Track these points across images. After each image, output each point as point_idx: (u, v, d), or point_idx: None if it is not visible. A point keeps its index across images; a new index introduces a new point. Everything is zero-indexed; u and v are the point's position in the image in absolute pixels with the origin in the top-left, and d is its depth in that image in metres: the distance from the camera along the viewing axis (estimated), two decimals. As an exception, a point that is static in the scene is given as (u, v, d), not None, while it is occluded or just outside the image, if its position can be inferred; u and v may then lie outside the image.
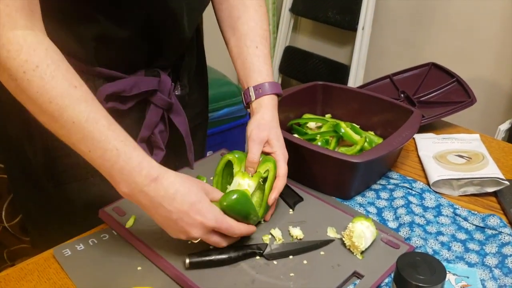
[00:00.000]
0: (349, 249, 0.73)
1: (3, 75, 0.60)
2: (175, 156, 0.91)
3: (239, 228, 0.70)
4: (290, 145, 0.87)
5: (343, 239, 0.73)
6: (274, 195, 0.77)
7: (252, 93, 0.84)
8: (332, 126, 0.98)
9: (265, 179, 0.79)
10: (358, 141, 0.93)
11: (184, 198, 0.65)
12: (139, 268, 0.72)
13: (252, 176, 0.78)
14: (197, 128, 0.96)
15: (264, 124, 0.82)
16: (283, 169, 0.79)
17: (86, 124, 0.61)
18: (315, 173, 0.88)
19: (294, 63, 2.40)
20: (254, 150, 0.80)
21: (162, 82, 0.83)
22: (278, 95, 0.86)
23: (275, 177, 0.78)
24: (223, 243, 0.70)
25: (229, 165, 0.82)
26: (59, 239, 0.77)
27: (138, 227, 0.78)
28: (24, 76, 0.59)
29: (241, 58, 0.87)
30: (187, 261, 0.69)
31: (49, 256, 0.75)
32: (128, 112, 0.82)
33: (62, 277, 0.71)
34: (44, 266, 0.73)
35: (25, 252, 1.32)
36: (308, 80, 1.06)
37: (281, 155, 0.80)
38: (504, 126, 1.54)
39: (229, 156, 0.81)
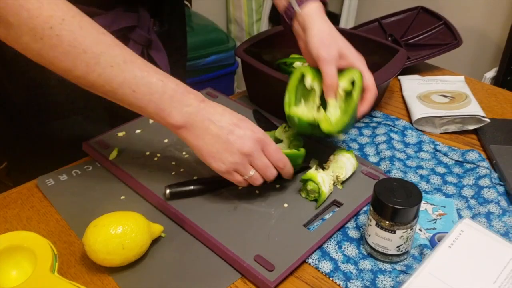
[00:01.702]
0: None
1: (24, 38, 0.57)
2: None
3: (284, 157, 0.68)
4: (274, 82, 0.87)
5: (325, 169, 0.74)
6: (365, 109, 0.75)
7: (294, 4, 0.77)
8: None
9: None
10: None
11: (232, 114, 0.67)
12: (122, 197, 0.73)
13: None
14: (175, 65, 0.95)
15: (328, 37, 0.74)
16: (370, 79, 0.74)
17: (125, 65, 0.61)
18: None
19: (283, 12, 2.37)
20: (330, 72, 0.72)
21: (141, 18, 0.83)
22: (323, 2, 0.79)
23: (362, 87, 0.74)
24: (259, 180, 0.68)
25: (302, 81, 0.77)
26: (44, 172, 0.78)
27: (121, 159, 0.78)
28: (52, 32, 0.56)
29: None
30: (167, 191, 0.70)
31: (32, 186, 0.76)
32: None
33: (46, 205, 0.72)
34: (28, 195, 0.74)
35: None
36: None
37: (363, 65, 0.75)
38: (490, 74, 1.55)
39: (303, 70, 0.76)
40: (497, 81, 1.54)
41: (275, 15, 2.40)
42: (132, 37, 0.84)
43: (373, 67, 0.98)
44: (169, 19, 0.94)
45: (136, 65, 0.62)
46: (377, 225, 0.61)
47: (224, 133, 0.64)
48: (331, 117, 0.73)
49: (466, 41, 1.11)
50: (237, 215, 0.69)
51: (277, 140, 0.81)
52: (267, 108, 0.93)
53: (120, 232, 0.59)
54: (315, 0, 0.77)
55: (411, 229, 0.61)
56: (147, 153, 0.80)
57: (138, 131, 0.85)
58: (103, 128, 0.86)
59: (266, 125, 0.89)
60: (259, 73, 0.88)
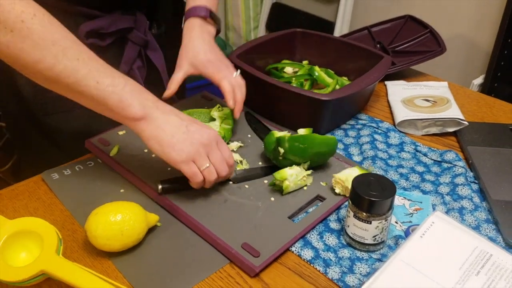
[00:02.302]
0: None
1: None
2: (154, 92, 0.97)
3: (228, 149, 0.74)
4: (265, 86, 0.92)
5: (334, 187, 0.78)
6: (237, 110, 0.86)
7: (183, 20, 0.90)
8: (307, 71, 1.04)
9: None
10: (330, 83, 0.99)
11: (186, 116, 0.72)
12: (121, 190, 0.79)
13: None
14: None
15: (183, 51, 0.87)
16: (227, 87, 0.84)
17: (89, 60, 0.65)
18: (288, 111, 0.93)
19: (281, 20, 2.43)
20: (173, 76, 0.87)
21: (138, 20, 0.91)
22: (202, 17, 0.90)
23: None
24: (214, 174, 0.72)
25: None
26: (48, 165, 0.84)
27: (121, 155, 0.84)
28: (23, 25, 0.61)
29: None
30: (160, 186, 0.75)
31: (38, 180, 0.81)
32: (108, 49, 0.89)
33: (51, 197, 0.77)
34: (34, 188, 0.79)
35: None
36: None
37: (218, 74, 0.84)
38: (478, 81, 1.60)
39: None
40: (485, 87, 1.59)
41: (272, 23, 2.46)
42: (130, 37, 0.91)
43: (360, 73, 1.04)
44: (168, 22, 1.01)
45: (98, 61, 0.67)
46: (355, 216, 0.67)
47: (184, 124, 0.69)
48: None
49: (454, 48, 1.17)
50: (227, 207, 0.74)
51: (211, 119, 0.88)
52: (258, 110, 0.99)
53: (119, 220, 0.65)
54: (195, 17, 0.89)
55: (386, 220, 0.67)
56: (145, 150, 0.85)
57: None
58: (105, 123, 0.91)
59: (257, 126, 0.94)
60: (251, 78, 0.94)
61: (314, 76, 1.00)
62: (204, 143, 0.69)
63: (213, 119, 0.90)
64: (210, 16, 0.91)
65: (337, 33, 2.16)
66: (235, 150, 0.87)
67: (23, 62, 0.63)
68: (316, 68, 1.01)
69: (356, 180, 0.67)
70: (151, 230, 0.70)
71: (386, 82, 1.14)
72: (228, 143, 0.88)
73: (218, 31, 0.94)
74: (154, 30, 0.98)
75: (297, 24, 2.35)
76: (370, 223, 0.66)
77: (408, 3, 2.04)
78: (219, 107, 0.89)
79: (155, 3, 0.97)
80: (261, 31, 2.49)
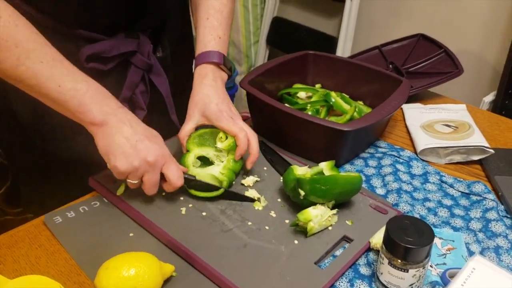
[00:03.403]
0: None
1: None
2: (159, 117, 0.93)
3: (178, 170, 0.73)
4: (280, 114, 0.87)
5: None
6: (249, 161, 0.82)
7: (193, 64, 0.87)
8: (322, 96, 0.99)
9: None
10: (348, 110, 0.94)
11: (147, 128, 0.73)
12: (131, 234, 0.73)
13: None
14: (184, 89, 0.97)
15: (193, 101, 0.82)
16: (243, 141, 0.79)
17: (53, 62, 0.66)
18: (305, 141, 0.88)
19: (281, 35, 2.39)
20: (183, 127, 0.83)
21: (141, 44, 0.86)
22: (215, 63, 0.85)
23: (236, 145, 0.80)
24: (154, 188, 0.73)
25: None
26: (51, 201, 0.79)
27: (129, 194, 0.78)
28: None
29: (196, 30, 0.90)
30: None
31: (40, 223, 0.75)
32: (110, 73, 0.86)
33: (54, 243, 0.71)
34: (35, 233, 0.73)
35: (9, 224, 1.32)
36: (295, 51, 1.06)
37: (229, 124, 0.80)
38: (488, 98, 1.56)
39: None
40: (496, 105, 1.55)
41: (273, 38, 2.42)
42: (133, 61, 0.87)
43: (375, 96, 0.99)
44: (173, 45, 0.96)
45: (64, 64, 0.67)
46: (390, 263, 0.61)
47: (135, 139, 0.69)
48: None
49: (463, 65, 1.12)
50: (247, 253, 0.68)
51: (217, 150, 0.83)
52: (272, 139, 0.93)
53: (133, 275, 0.59)
54: (207, 63, 0.85)
55: (423, 268, 0.61)
56: (155, 188, 0.80)
57: None
58: None
59: (273, 157, 0.89)
60: (265, 105, 0.88)
61: (331, 103, 0.95)
62: (148, 161, 0.69)
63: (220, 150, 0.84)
64: (223, 62, 0.86)
65: (340, 48, 2.12)
66: (251, 185, 0.81)
67: None
68: (332, 94, 0.96)
69: (391, 224, 0.62)
70: (166, 281, 0.64)
71: (402, 106, 1.08)
72: (243, 177, 0.82)
73: (229, 76, 0.89)
74: (159, 53, 0.94)
75: (298, 39, 2.33)
76: (407, 272, 0.61)
77: (412, 18, 2.00)
78: (221, 137, 0.82)
79: (161, 25, 0.92)
80: (262, 46, 2.45)
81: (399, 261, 0.61)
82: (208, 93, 0.81)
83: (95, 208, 0.78)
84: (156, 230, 0.71)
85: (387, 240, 0.62)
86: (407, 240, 0.60)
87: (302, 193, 0.72)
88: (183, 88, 0.99)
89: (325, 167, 0.78)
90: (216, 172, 0.79)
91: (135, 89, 0.89)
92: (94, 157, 0.84)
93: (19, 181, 1.03)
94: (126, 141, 0.69)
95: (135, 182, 0.71)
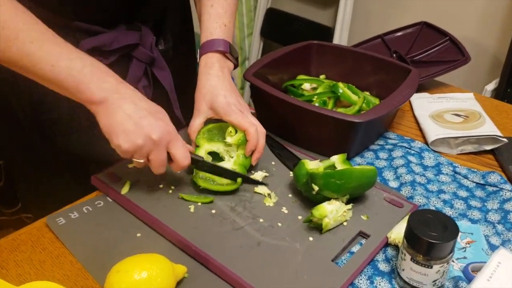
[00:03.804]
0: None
1: None
2: None
3: (185, 148, 0.70)
4: (287, 107, 0.84)
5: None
6: (254, 157, 0.78)
7: (197, 53, 0.83)
8: (329, 87, 0.96)
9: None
10: (356, 101, 0.91)
11: (151, 103, 0.69)
12: (138, 234, 0.70)
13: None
14: (186, 84, 0.94)
15: (201, 93, 0.79)
16: (254, 136, 0.76)
17: (45, 42, 0.62)
18: (314, 134, 0.85)
19: (276, 26, 2.35)
20: (192, 122, 0.80)
21: (144, 36, 0.83)
22: (221, 52, 0.82)
23: (245, 139, 0.77)
24: (161, 168, 0.69)
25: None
26: (52, 201, 0.76)
27: (135, 193, 0.75)
28: None
29: (200, 17, 0.86)
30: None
31: (42, 226, 0.72)
32: (111, 67, 0.81)
33: (58, 246, 0.68)
34: (38, 236, 0.70)
35: (4, 224, 1.29)
36: (290, 43, 1.03)
37: (238, 117, 0.76)
38: (491, 86, 1.54)
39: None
40: (498, 93, 1.54)
41: (267, 30, 2.38)
42: (135, 54, 0.84)
43: (382, 87, 0.97)
44: (175, 38, 0.93)
45: (55, 42, 0.63)
46: (412, 259, 0.59)
47: (138, 116, 0.65)
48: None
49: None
50: (261, 251, 0.66)
51: (226, 144, 0.80)
52: (279, 133, 0.90)
53: (145, 278, 0.56)
54: (213, 52, 0.81)
55: (447, 263, 0.59)
56: (161, 186, 0.76)
57: None
58: (105, 147, 0.84)
59: (281, 152, 0.86)
60: (271, 98, 0.85)
61: (338, 94, 0.92)
62: (152, 139, 0.66)
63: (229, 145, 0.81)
64: (230, 51, 0.82)
65: (337, 39, 2.09)
66: (260, 180, 0.79)
67: None
68: (340, 84, 0.93)
69: (413, 219, 0.59)
70: (178, 283, 0.61)
71: (408, 95, 1.06)
72: (251, 173, 0.79)
73: (235, 66, 0.86)
74: (161, 45, 0.91)
75: (293, 31, 2.29)
76: (431, 268, 0.58)
77: (409, 7, 1.98)
78: (231, 131, 0.79)
79: (163, 16, 0.89)
80: (256, 38, 2.41)
81: (422, 257, 0.58)
82: (216, 85, 0.78)
83: (99, 208, 0.75)
84: (165, 229, 0.68)
85: (409, 235, 0.59)
86: (431, 235, 0.57)
87: (316, 188, 0.69)
88: (184, 82, 0.96)
89: (337, 160, 0.76)
90: (229, 167, 0.76)
91: (138, 84, 0.86)
92: (95, 154, 0.82)
93: (17, 180, 1.00)
94: (128, 118, 0.65)
95: (141, 161, 0.68)
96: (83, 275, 0.64)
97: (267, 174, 0.80)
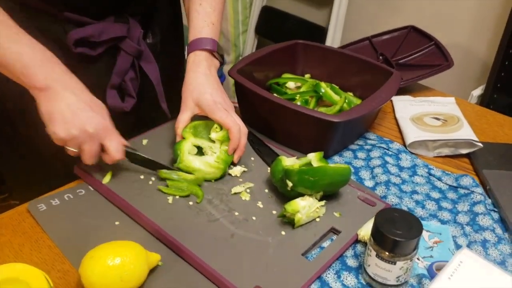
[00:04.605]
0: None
1: None
2: (148, 105, 0.92)
3: (118, 143, 0.73)
4: (269, 104, 0.86)
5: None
6: (236, 156, 0.81)
7: (185, 52, 0.86)
8: (311, 86, 0.98)
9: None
10: (337, 101, 0.93)
11: (93, 97, 0.72)
12: (117, 223, 0.72)
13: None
14: (173, 78, 0.95)
15: (187, 89, 0.81)
16: (236, 134, 0.79)
17: (1, 24, 0.66)
18: (294, 132, 0.87)
19: (271, 24, 2.37)
20: (179, 118, 0.82)
21: (131, 29, 0.85)
22: (209, 50, 0.84)
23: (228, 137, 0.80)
24: (92, 159, 0.72)
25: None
26: (37, 189, 0.77)
27: (115, 183, 0.77)
28: None
29: (188, 15, 0.88)
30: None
31: (23, 211, 0.74)
32: (99, 58, 0.84)
33: (38, 231, 0.70)
34: (19, 220, 0.72)
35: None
36: (284, 41, 1.05)
37: (222, 115, 0.79)
38: (477, 92, 1.57)
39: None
40: (484, 98, 1.56)
41: (261, 27, 2.40)
42: (123, 47, 0.85)
43: (365, 87, 0.99)
44: (163, 32, 0.95)
45: (10, 27, 0.67)
46: (377, 255, 0.61)
47: (77, 107, 0.68)
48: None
49: (453, 58, 1.12)
50: (234, 243, 0.68)
51: (210, 141, 0.82)
52: (261, 129, 0.92)
53: (118, 264, 0.58)
54: (201, 50, 0.83)
55: (411, 260, 0.61)
56: (142, 177, 0.78)
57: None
58: None
59: (260, 148, 0.88)
60: (254, 95, 0.87)
61: (320, 93, 0.94)
62: (87, 131, 0.69)
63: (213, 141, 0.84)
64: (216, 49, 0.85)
65: (330, 39, 2.11)
66: (238, 175, 0.81)
67: None
68: (322, 84, 0.95)
69: (380, 217, 0.62)
70: (151, 271, 0.63)
71: (391, 98, 1.08)
72: (230, 167, 0.81)
73: (221, 64, 0.88)
74: (149, 39, 0.92)
75: (288, 29, 2.31)
76: (394, 264, 0.61)
77: (402, 10, 2.00)
78: (216, 127, 0.82)
79: (152, 10, 0.91)
80: (250, 35, 2.43)
81: (387, 253, 0.60)
82: (203, 83, 0.80)
83: (81, 196, 0.76)
84: (142, 219, 0.70)
85: (375, 232, 0.61)
86: (396, 232, 0.59)
87: (290, 184, 0.71)
88: (172, 76, 0.98)
89: (314, 158, 0.78)
90: (212, 161, 0.78)
91: (125, 76, 0.88)
92: None
93: (4, 168, 1.01)
94: (67, 108, 0.68)
95: (74, 150, 0.71)
96: (60, 259, 0.66)
97: (245, 169, 0.82)
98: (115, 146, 0.72)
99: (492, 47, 1.68)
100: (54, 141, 0.70)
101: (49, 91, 0.67)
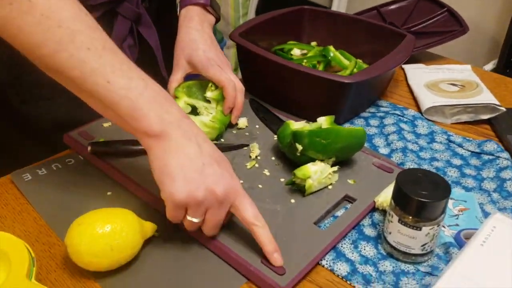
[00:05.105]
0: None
1: None
2: (148, 74, 0.85)
3: (253, 208, 0.55)
4: (274, 67, 0.80)
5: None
6: (234, 115, 0.76)
7: (178, 6, 0.80)
8: (319, 52, 0.91)
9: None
10: (347, 65, 0.87)
11: (216, 149, 0.55)
12: (109, 193, 0.65)
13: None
14: (171, 44, 0.89)
15: (179, 46, 0.77)
16: (231, 92, 0.74)
17: (104, 51, 0.50)
18: (302, 98, 0.81)
19: (271, 7, 2.29)
20: (173, 76, 0.77)
21: None
22: (201, 5, 0.78)
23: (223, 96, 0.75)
24: (193, 229, 0.56)
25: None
26: (23, 162, 0.71)
27: (108, 151, 0.70)
28: None
29: None
30: (88, 148, 0.67)
31: (7, 182, 0.67)
32: None
33: (22, 202, 0.64)
34: (1, 191, 0.65)
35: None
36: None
37: (214, 77, 0.74)
38: (489, 67, 1.50)
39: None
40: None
41: (262, 9, 2.33)
42: (120, 11, 0.79)
43: (376, 55, 0.91)
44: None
45: (116, 55, 0.52)
46: (400, 221, 0.55)
47: (201, 161, 0.52)
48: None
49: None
50: (237, 221, 0.61)
51: (205, 100, 0.77)
52: (266, 98, 0.86)
53: (108, 231, 0.51)
54: (193, 5, 0.78)
55: (438, 226, 0.54)
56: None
57: None
58: (91, 115, 0.79)
59: (266, 116, 0.81)
60: (258, 58, 0.81)
61: (329, 57, 0.87)
62: (215, 193, 0.52)
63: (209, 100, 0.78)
64: (210, 4, 0.79)
65: (335, 8, 2.04)
66: (244, 127, 0.78)
67: (23, 44, 0.49)
68: (331, 48, 0.88)
69: (402, 177, 0.55)
70: (146, 242, 0.57)
71: (403, 66, 1.02)
72: (226, 129, 0.76)
73: (217, 20, 0.82)
74: (145, 3, 0.86)
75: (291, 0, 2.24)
76: (420, 230, 0.54)
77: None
78: (211, 85, 0.76)
79: None
80: (251, 17, 2.36)
81: (411, 218, 0.54)
82: (195, 39, 0.74)
83: (70, 165, 0.70)
84: (137, 188, 0.64)
85: (397, 194, 0.55)
86: (421, 193, 0.53)
87: (300, 147, 0.65)
88: (169, 42, 0.92)
89: (324, 122, 0.71)
90: (207, 120, 0.72)
91: (123, 43, 0.82)
92: (76, 120, 0.77)
93: None
94: (189, 162, 0.51)
95: (196, 220, 0.53)
96: (46, 232, 0.59)
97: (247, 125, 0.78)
98: (250, 211, 0.54)
99: (502, 22, 1.61)
100: (169, 209, 0.53)
101: (166, 141, 0.51)
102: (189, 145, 0.52)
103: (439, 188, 0.54)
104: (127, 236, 0.52)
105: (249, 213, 0.54)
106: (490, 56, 1.66)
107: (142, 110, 0.51)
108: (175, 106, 0.54)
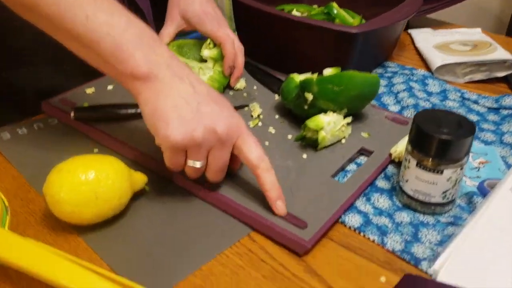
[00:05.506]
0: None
1: None
2: None
3: (257, 147, 0.49)
4: (275, 21, 0.74)
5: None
6: (234, 77, 0.72)
7: None
8: (321, 10, 0.85)
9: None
10: (352, 23, 0.81)
11: (211, 89, 0.50)
12: (95, 150, 0.59)
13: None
14: (163, 10, 0.84)
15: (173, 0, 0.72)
16: (230, 49, 0.69)
17: None
18: (304, 54, 0.75)
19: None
20: (164, 31, 0.73)
21: None
22: None
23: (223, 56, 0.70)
24: (196, 176, 0.50)
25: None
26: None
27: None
28: None
29: None
30: (72, 114, 0.61)
31: (-16, 141, 0.61)
32: None
33: (1, 161, 0.58)
34: (-23, 151, 0.59)
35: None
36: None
37: (212, 32, 0.70)
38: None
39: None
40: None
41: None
42: None
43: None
44: None
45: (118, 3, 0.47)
46: (419, 165, 0.49)
47: (196, 101, 0.47)
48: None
49: (467, 15, 1.01)
50: (245, 171, 0.55)
51: (201, 60, 0.72)
52: (262, 58, 0.80)
53: (92, 178, 0.45)
54: None
55: (461, 169, 0.49)
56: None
57: (110, 87, 0.70)
58: (75, 84, 0.73)
59: (264, 78, 0.76)
60: (256, 13, 0.75)
61: (333, 15, 0.82)
62: (215, 133, 0.47)
63: (205, 60, 0.73)
64: None
65: None
66: (242, 89, 0.72)
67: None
68: (334, 4, 0.83)
69: (420, 117, 0.49)
70: (136, 197, 0.51)
71: (410, 31, 0.96)
72: (224, 90, 0.71)
73: None
74: None
75: None
76: (441, 173, 0.48)
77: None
78: (209, 43, 0.71)
79: None
80: None
81: (431, 160, 0.48)
82: None
83: (53, 125, 0.64)
84: (124, 147, 0.58)
85: (416, 135, 0.49)
86: (442, 132, 0.47)
87: (310, 97, 0.59)
88: (162, 9, 0.87)
89: (331, 73, 0.65)
90: (205, 80, 0.67)
91: None
92: (59, 89, 0.71)
93: None
94: (183, 101, 0.46)
95: (198, 164, 0.48)
96: (25, 188, 0.54)
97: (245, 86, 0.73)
98: (255, 151, 0.49)
99: (507, 4, 1.57)
100: (166, 155, 0.48)
101: (155, 82, 0.46)
102: (181, 84, 0.47)
103: (462, 126, 0.48)
104: (113, 184, 0.46)
105: (253, 154, 0.48)
106: (498, 26, 1.62)
107: (127, 50, 0.46)
108: (163, 46, 0.49)
